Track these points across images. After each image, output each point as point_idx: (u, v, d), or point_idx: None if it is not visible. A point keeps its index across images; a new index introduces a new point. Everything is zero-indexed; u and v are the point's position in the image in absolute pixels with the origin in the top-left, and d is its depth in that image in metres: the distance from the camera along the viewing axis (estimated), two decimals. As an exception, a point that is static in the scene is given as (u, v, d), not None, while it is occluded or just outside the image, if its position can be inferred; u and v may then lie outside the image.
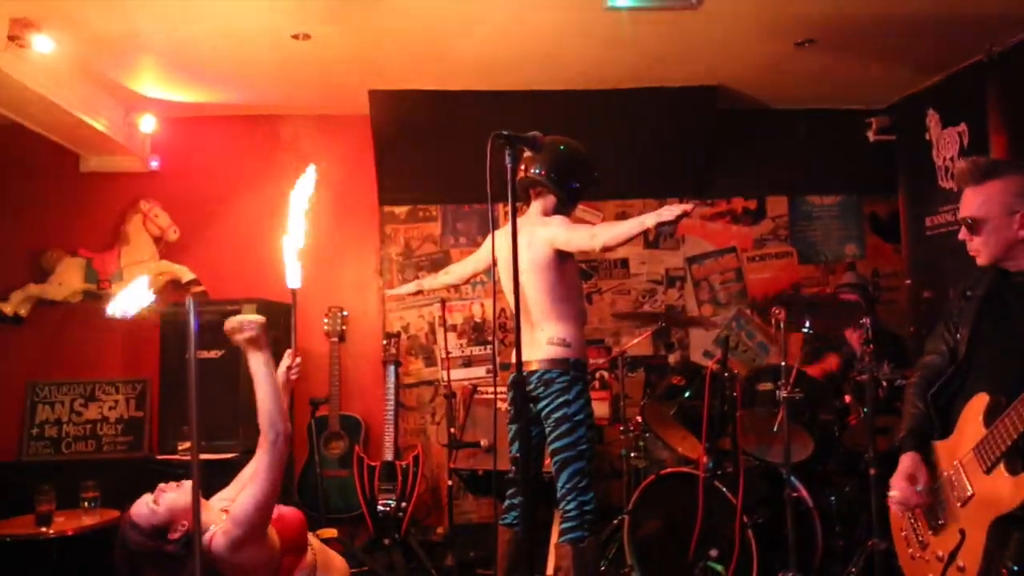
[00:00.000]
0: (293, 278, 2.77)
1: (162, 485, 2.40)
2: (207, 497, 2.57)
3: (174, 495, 2.39)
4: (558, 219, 3.32)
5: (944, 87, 4.84)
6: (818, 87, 5.12)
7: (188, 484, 2.40)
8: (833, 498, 3.90)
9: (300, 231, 2.73)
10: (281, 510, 2.54)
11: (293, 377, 2.79)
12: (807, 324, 3.68)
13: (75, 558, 3.97)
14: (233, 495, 2.59)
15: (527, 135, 2.53)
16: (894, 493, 2.40)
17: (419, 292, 4.09)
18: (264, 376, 2.41)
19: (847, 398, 3.81)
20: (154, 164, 5.17)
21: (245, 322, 2.40)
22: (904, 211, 5.33)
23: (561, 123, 3.36)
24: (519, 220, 3.41)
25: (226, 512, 2.47)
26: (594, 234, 3.13)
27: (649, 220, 2.91)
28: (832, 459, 4.01)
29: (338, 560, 2.75)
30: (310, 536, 2.66)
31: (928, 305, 4.93)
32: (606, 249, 3.17)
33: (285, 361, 2.79)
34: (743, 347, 5.49)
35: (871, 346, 3.53)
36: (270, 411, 2.39)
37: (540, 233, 3.28)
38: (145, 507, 2.37)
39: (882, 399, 3.66)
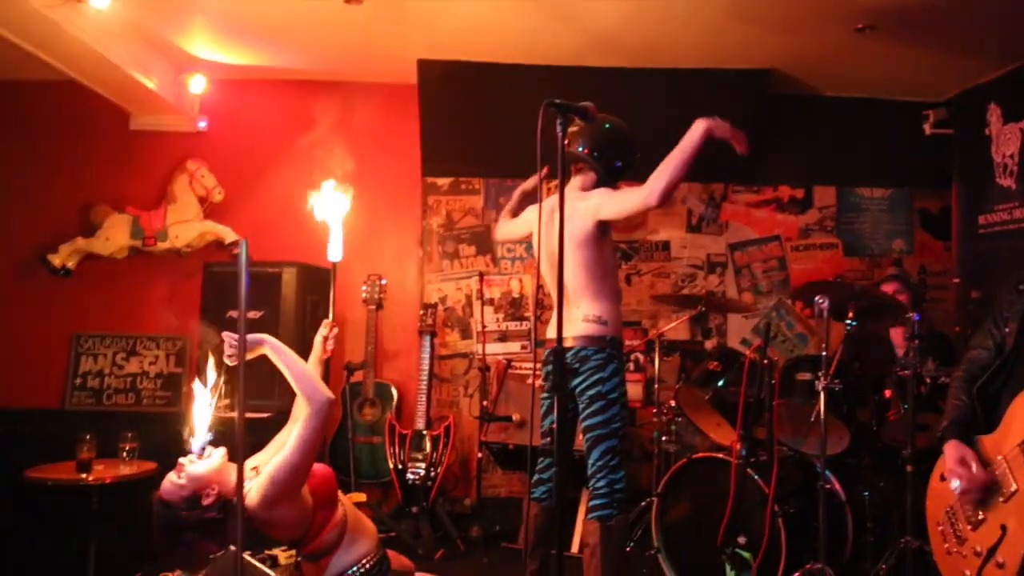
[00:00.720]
0: (335, 251, 2.82)
1: (181, 460, 2.46)
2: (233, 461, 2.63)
3: (195, 466, 2.44)
4: (600, 191, 3.28)
5: (1008, 81, 4.71)
6: (875, 76, 5.02)
7: (210, 453, 2.48)
8: (867, 493, 3.85)
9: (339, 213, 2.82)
10: (312, 467, 2.59)
11: (329, 347, 2.84)
12: (851, 316, 3.63)
13: (112, 505, 4.07)
14: (266, 458, 2.66)
15: (579, 105, 2.51)
16: (956, 483, 2.30)
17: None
18: (283, 362, 2.51)
19: (887, 392, 3.75)
20: (202, 125, 5.23)
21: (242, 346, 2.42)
22: (957, 208, 5.23)
23: (610, 101, 3.30)
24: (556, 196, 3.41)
25: (256, 470, 2.52)
26: (648, 190, 3.03)
27: (700, 126, 2.96)
28: (868, 454, 3.96)
29: (368, 522, 2.79)
30: (340, 494, 2.70)
31: (976, 305, 4.82)
32: (667, 195, 3.02)
33: (322, 331, 2.84)
34: (782, 337, 5.43)
35: (916, 341, 3.48)
36: (304, 386, 2.48)
37: (581, 207, 3.25)
38: (170, 483, 2.43)
39: (924, 396, 3.60)
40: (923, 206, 5.55)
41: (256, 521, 2.45)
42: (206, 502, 2.40)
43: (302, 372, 2.52)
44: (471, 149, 5.33)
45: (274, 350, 2.53)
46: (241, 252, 2.00)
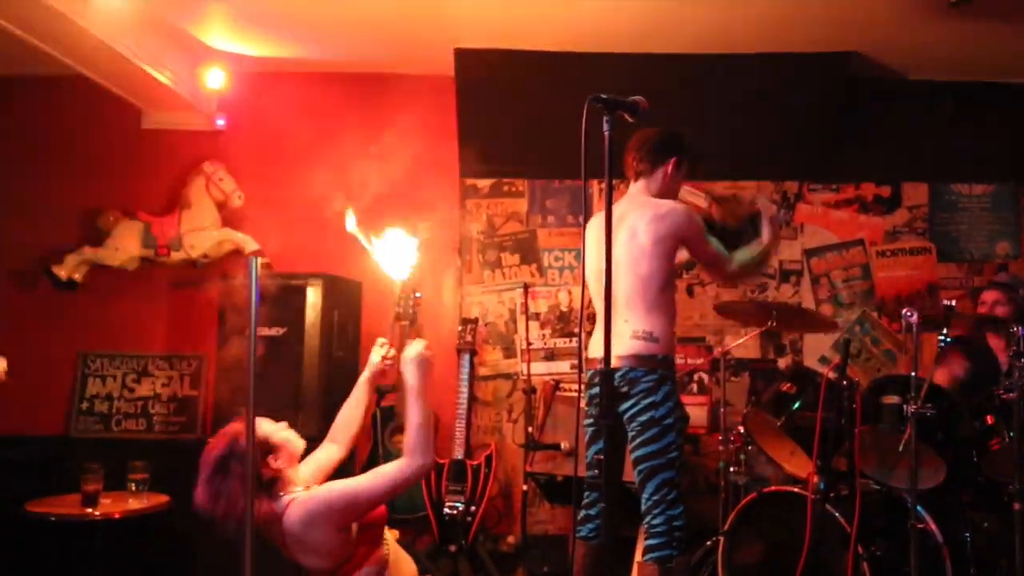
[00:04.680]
0: (400, 270, 3.01)
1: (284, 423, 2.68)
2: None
3: (292, 436, 2.67)
4: (689, 221, 3.37)
5: None
6: (973, 55, 4.92)
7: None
8: (968, 534, 3.74)
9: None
10: None
11: (387, 366, 2.96)
12: (944, 332, 3.55)
13: (121, 543, 4.12)
14: (307, 472, 2.76)
15: (629, 99, 2.50)
16: None
17: None
18: (415, 406, 2.64)
19: (990, 418, 3.65)
20: (220, 123, 5.30)
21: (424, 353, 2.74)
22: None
23: (668, 92, 3.32)
24: (623, 202, 3.44)
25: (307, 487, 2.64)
26: (730, 260, 3.45)
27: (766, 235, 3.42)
28: (968, 489, 3.86)
29: (407, 562, 2.84)
30: (387, 531, 2.76)
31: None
32: (734, 275, 3.46)
33: (378, 351, 2.95)
34: (866, 354, 5.34)
35: (1022, 360, 3.38)
36: (418, 439, 2.59)
37: (659, 216, 3.32)
38: (266, 424, 2.63)
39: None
40: (1031, 203, 5.43)
41: (290, 539, 2.54)
42: (272, 462, 2.57)
43: (424, 425, 2.61)
44: (514, 147, 5.33)
45: (416, 393, 2.65)
46: (252, 269, 2.03)
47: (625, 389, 3.21)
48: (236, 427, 2.58)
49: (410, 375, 2.68)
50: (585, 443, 3.42)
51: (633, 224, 3.32)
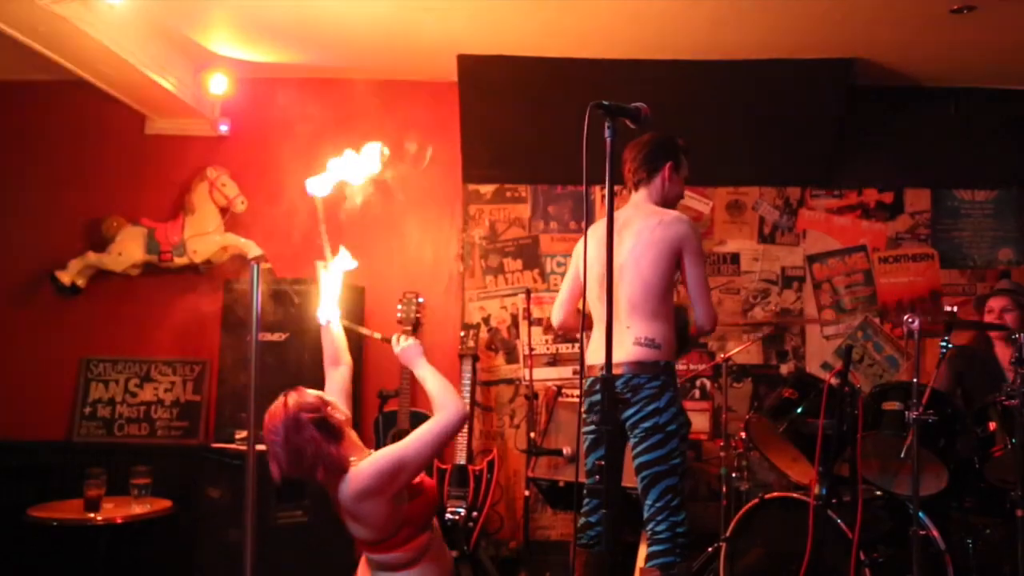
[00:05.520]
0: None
1: None
2: None
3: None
4: (690, 232, 3.35)
5: None
6: (975, 62, 4.92)
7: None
8: (970, 541, 3.74)
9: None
10: (423, 478, 2.81)
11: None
12: (946, 338, 3.55)
13: (123, 548, 4.12)
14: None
15: (630, 106, 2.51)
16: None
17: None
18: (431, 376, 2.86)
19: (992, 425, 3.65)
20: (223, 128, 5.31)
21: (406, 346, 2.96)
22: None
23: (670, 98, 3.32)
24: (627, 208, 3.44)
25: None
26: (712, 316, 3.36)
27: None
28: (971, 495, 3.86)
29: (447, 556, 2.91)
30: (436, 520, 2.85)
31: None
32: (710, 317, 3.38)
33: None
34: (869, 360, 5.33)
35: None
36: (440, 398, 2.77)
37: (666, 228, 3.32)
38: (312, 392, 2.76)
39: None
40: (1034, 210, 5.43)
41: (342, 507, 2.66)
42: (335, 415, 2.70)
43: (440, 388, 2.81)
44: (517, 153, 5.34)
45: (420, 371, 2.89)
46: (254, 274, 2.03)
47: (628, 396, 3.20)
48: (284, 398, 2.68)
49: (409, 363, 2.93)
50: (584, 450, 3.41)
51: (638, 231, 3.32)
